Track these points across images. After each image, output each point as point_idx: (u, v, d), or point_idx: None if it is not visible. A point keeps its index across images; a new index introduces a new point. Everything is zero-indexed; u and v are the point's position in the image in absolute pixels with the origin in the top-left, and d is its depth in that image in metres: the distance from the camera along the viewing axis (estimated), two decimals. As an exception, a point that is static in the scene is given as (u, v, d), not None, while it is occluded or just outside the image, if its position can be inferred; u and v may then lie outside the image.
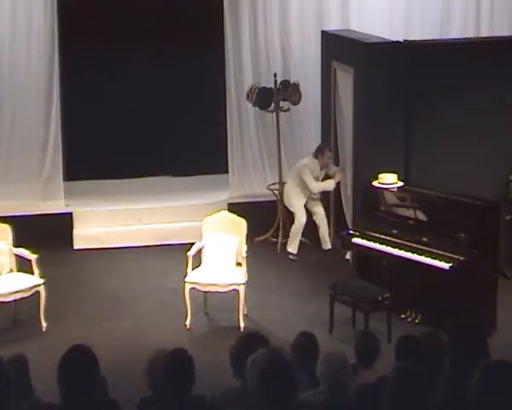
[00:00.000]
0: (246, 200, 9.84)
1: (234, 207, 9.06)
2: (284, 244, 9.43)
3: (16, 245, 7.69)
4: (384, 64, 8.16)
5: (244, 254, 7.72)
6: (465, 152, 8.24)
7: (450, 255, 7.19)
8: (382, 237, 7.69)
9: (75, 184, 9.93)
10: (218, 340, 7.17)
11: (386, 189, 7.91)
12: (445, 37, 9.75)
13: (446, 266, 7.17)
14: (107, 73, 10.31)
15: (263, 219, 9.42)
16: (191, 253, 7.73)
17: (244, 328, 7.43)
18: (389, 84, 8.16)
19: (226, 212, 8.32)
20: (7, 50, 9.59)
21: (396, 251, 7.55)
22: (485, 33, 10.01)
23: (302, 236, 9.38)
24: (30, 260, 7.63)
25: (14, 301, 7.47)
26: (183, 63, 10.35)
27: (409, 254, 7.45)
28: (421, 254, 7.38)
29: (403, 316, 7.51)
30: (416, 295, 7.50)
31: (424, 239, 7.43)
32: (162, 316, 7.76)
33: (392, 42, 8.42)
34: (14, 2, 9.54)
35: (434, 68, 8.20)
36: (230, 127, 10.11)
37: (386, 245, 7.63)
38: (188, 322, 7.57)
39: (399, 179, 7.96)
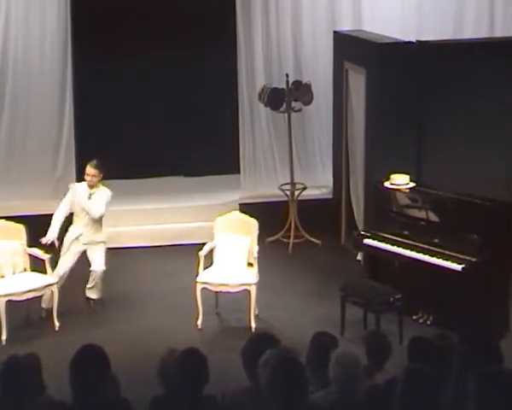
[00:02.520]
0: (257, 200, 9.84)
1: (245, 208, 9.07)
2: (296, 245, 9.43)
3: (30, 245, 7.73)
4: (396, 65, 8.15)
5: (255, 255, 7.72)
6: (478, 152, 8.22)
7: (462, 257, 7.17)
8: (394, 238, 7.68)
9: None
10: (229, 340, 7.18)
11: (398, 189, 7.89)
12: (458, 37, 9.72)
13: (458, 267, 7.15)
14: (120, 74, 10.34)
15: (274, 220, 9.43)
16: (203, 253, 7.75)
17: (255, 328, 7.44)
18: (401, 84, 8.15)
19: (238, 212, 8.33)
20: (20, 51, 9.65)
21: (407, 252, 7.53)
22: (498, 33, 9.97)
23: (311, 235, 9.39)
24: (43, 260, 7.68)
25: (27, 300, 7.51)
26: (196, 64, 10.36)
27: (420, 256, 7.44)
28: (432, 256, 7.36)
29: (414, 317, 7.50)
30: (428, 296, 7.48)
31: (436, 240, 7.42)
32: (173, 316, 7.78)
33: (405, 42, 8.41)
34: (27, 4, 9.59)
35: (447, 69, 8.18)
36: (242, 128, 10.12)
37: (398, 246, 7.62)
38: (199, 322, 7.58)
39: (411, 180, 7.95)
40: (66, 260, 7.79)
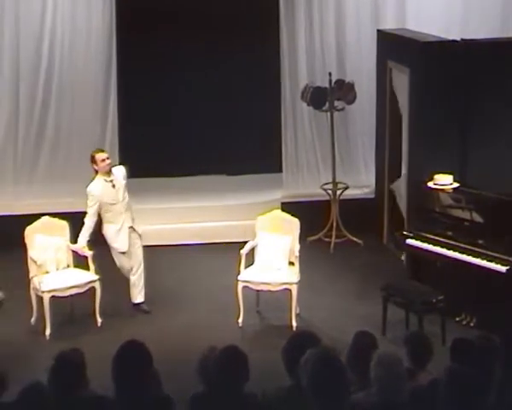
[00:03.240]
0: (299, 199, 9.82)
1: (287, 207, 9.07)
2: (337, 244, 9.41)
3: (73, 241, 7.82)
4: (440, 64, 8.07)
5: (297, 254, 7.71)
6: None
7: (507, 258, 7.08)
8: (437, 238, 7.61)
9: (130, 182, 10.03)
10: (269, 338, 7.18)
11: (442, 190, 7.82)
12: (505, 35, 9.58)
13: (503, 269, 7.06)
14: (163, 72, 10.41)
15: (316, 219, 9.41)
16: (244, 251, 7.76)
17: (296, 327, 7.43)
18: (445, 84, 8.07)
19: (280, 211, 8.33)
20: (66, 49, 9.78)
21: (451, 253, 7.46)
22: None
23: (355, 236, 9.35)
24: (86, 257, 7.76)
25: (71, 296, 7.60)
26: (239, 62, 10.37)
27: (464, 257, 7.36)
28: (476, 257, 7.28)
29: (457, 319, 7.42)
30: (471, 297, 7.40)
31: (480, 241, 7.33)
32: (215, 314, 7.81)
33: (449, 41, 8.32)
34: (73, 2, 9.71)
35: (492, 68, 8.07)
36: (285, 126, 10.12)
37: (441, 247, 7.55)
38: (240, 320, 7.60)
39: (455, 180, 7.87)
40: (135, 249, 7.82)
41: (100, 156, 7.77)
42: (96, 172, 7.77)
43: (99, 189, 7.72)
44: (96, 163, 7.74)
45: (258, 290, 7.73)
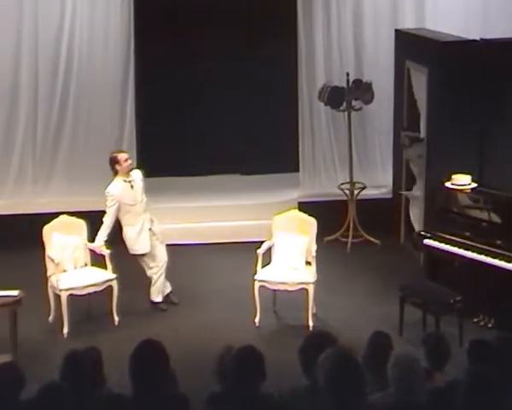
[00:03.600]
0: (316, 199, 9.82)
1: (304, 206, 9.07)
2: (354, 244, 9.39)
3: (91, 240, 7.85)
4: (459, 63, 8.02)
5: (314, 254, 7.71)
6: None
7: (525, 259, 7.04)
8: (454, 238, 7.58)
9: (147, 181, 10.06)
10: (286, 338, 7.18)
11: (460, 190, 7.78)
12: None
13: (521, 269, 7.02)
14: (180, 73, 10.44)
15: (333, 219, 9.39)
16: (261, 251, 7.77)
17: (313, 327, 7.43)
18: (464, 83, 8.03)
19: (296, 211, 8.32)
20: (85, 51, 9.83)
21: (469, 253, 7.43)
22: None
23: (372, 236, 9.32)
24: (103, 256, 7.79)
25: (88, 294, 7.64)
26: (255, 62, 10.38)
27: (482, 257, 7.32)
28: (494, 257, 7.24)
29: (475, 320, 7.39)
30: (489, 298, 7.36)
31: (498, 242, 7.29)
32: (231, 313, 7.81)
33: (468, 40, 8.28)
34: (92, 3, 9.76)
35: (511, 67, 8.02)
36: (302, 126, 10.11)
37: (459, 247, 7.51)
38: (257, 320, 7.60)
39: (473, 180, 7.83)
40: (158, 250, 7.86)
41: (123, 156, 7.83)
42: (116, 173, 7.79)
43: (118, 189, 7.75)
44: (118, 163, 7.78)
45: (274, 290, 7.73)
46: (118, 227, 7.88)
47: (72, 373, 4.36)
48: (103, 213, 7.82)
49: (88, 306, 7.75)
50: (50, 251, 7.66)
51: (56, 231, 7.77)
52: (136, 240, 7.81)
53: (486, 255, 7.30)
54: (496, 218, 7.49)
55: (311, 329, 7.38)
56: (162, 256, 7.93)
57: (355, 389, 3.84)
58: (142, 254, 7.86)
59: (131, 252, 7.87)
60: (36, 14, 9.69)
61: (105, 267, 7.78)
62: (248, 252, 8.19)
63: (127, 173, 7.80)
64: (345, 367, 3.89)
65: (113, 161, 7.80)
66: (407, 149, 8.96)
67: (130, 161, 7.87)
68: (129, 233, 7.81)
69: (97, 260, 7.88)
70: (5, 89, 9.81)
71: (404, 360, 4.21)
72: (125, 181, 7.79)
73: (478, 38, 8.38)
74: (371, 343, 4.81)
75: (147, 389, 4.07)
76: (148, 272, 7.94)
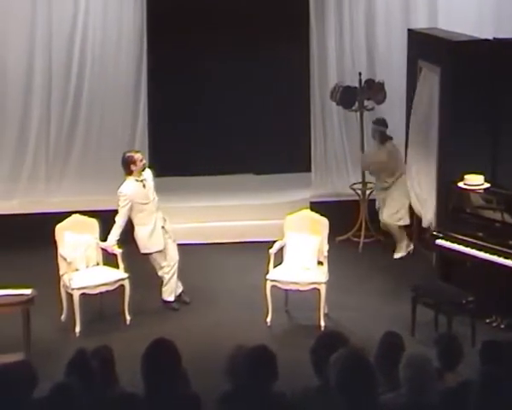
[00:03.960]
0: (328, 199, 9.81)
1: (316, 206, 9.06)
2: (366, 244, 9.38)
3: (103, 239, 7.88)
4: (472, 63, 7.99)
5: (325, 254, 7.70)
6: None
7: (538, 259, 7.01)
8: (467, 239, 7.56)
9: (159, 181, 10.08)
10: (298, 338, 7.18)
11: (472, 190, 7.76)
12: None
13: (534, 270, 6.99)
14: (192, 73, 10.45)
15: (345, 219, 9.38)
16: (273, 251, 7.77)
17: (324, 327, 7.42)
18: (476, 83, 8.00)
19: (308, 210, 8.32)
20: (97, 51, 9.88)
21: (481, 254, 7.40)
22: None
23: (382, 235, 9.33)
24: (115, 255, 7.81)
25: (100, 293, 7.66)
26: (268, 62, 10.38)
27: (495, 258, 7.30)
28: (507, 258, 7.22)
29: (487, 320, 7.36)
30: (502, 299, 7.33)
31: (511, 242, 7.26)
32: (243, 313, 7.82)
33: (480, 40, 8.25)
34: (105, 4, 9.79)
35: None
36: (314, 126, 10.11)
37: (471, 247, 7.49)
38: (268, 319, 7.61)
39: (486, 181, 7.80)
40: (170, 249, 7.88)
41: (139, 157, 7.88)
42: (130, 173, 7.80)
43: (131, 189, 7.77)
44: (135, 163, 7.80)
45: (286, 290, 7.73)
46: (130, 226, 7.90)
47: (80, 372, 4.37)
48: (115, 212, 7.84)
49: (100, 305, 7.77)
50: (63, 250, 7.69)
51: (69, 230, 7.80)
52: (149, 239, 7.82)
53: (499, 256, 7.27)
54: (508, 218, 7.46)
55: (322, 329, 7.37)
56: (174, 255, 7.95)
57: (367, 390, 3.84)
58: (156, 252, 7.86)
59: (143, 251, 7.89)
60: (49, 17, 9.74)
61: (117, 266, 7.80)
62: (260, 252, 8.19)
63: (140, 173, 7.83)
64: (356, 367, 3.88)
65: (130, 161, 7.81)
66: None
67: (144, 161, 7.91)
68: (141, 233, 7.83)
69: (109, 259, 7.90)
70: (19, 88, 9.86)
71: (416, 360, 4.20)
72: (138, 180, 7.81)
73: (491, 38, 8.35)
74: (383, 343, 4.80)
75: (159, 388, 4.08)
76: (160, 272, 7.95)
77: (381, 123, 9.28)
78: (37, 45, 9.79)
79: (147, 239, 7.83)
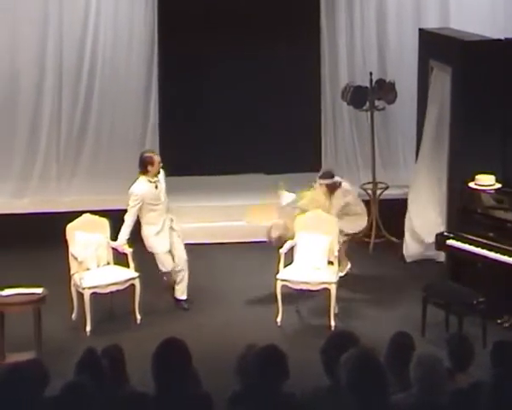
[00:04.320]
0: (339, 199, 9.78)
1: (326, 206, 9.03)
2: (376, 244, 9.36)
3: (113, 239, 7.89)
4: (483, 63, 7.97)
5: (336, 253, 7.70)
6: None
7: (550, 260, 6.99)
8: (478, 239, 7.53)
9: (170, 180, 10.11)
10: (308, 338, 7.18)
11: (484, 190, 7.73)
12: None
13: (545, 270, 6.97)
14: (203, 74, 10.46)
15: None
16: (283, 250, 7.77)
17: (335, 327, 7.42)
18: (488, 83, 7.97)
19: (319, 210, 8.30)
20: (109, 52, 9.91)
21: (492, 254, 7.38)
22: None
23: (393, 235, 9.30)
24: (126, 254, 7.82)
25: (111, 293, 7.68)
26: (279, 62, 10.37)
27: (505, 258, 7.28)
28: (518, 258, 7.20)
29: (499, 321, 7.33)
30: (513, 299, 7.32)
31: (522, 243, 7.25)
32: (253, 312, 7.82)
33: (491, 40, 8.23)
34: (116, 6, 9.82)
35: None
36: (324, 126, 10.11)
37: (482, 248, 7.47)
38: (279, 319, 7.61)
39: (497, 181, 7.78)
40: (178, 249, 7.88)
41: (158, 159, 7.84)
42: (145, 173, 7.78)
43: (143, 189, 7.78)
44: (152, 164, 7.76)
45: (297, 289, 7.73)
46: (139, 226, 7.91)
47: (90, 371, 4.39)
48: (126, 211, 7.85)
49: (110, 304, 7.79)
50: (74, 249, 7.71)
51: (79, 229, 7.82)
52: (155, 238, 7.83)
53: (510, 256, 7.25)
54: (520, 218, 7.44)
55: (333, 329, 7.37)
56: (181, 255, 7.93)
57: (377, 390, 3.84)
58: (161, 253, 7.85)
59: (149, 250, 7.89)
60: (60, 18, 9.78)
61: (127, 266, 7.81)
62: (271, 251, 8.19)
63: (155, 174, 7.81)
64: (367, 367, 3.88)
65: (148, 162, 7.78)
66: None
67: (161, 164, 7.86)
68: (147, 231, 7.84)
69: (120, 258, 7.91)
70: (31, 89, 9.91)
71: (426, 360, 4.19)
72: (151, 181, 7.81)
73: (502, 38, 8.32)
74: (393, 343, 4.80)
75: (169, 387, 4.09)
76: (174, 276, 7.94)
77: (327, 176, 8.45)
78: (49, 46, 9.84)
79: (152, 238, 7.84)
